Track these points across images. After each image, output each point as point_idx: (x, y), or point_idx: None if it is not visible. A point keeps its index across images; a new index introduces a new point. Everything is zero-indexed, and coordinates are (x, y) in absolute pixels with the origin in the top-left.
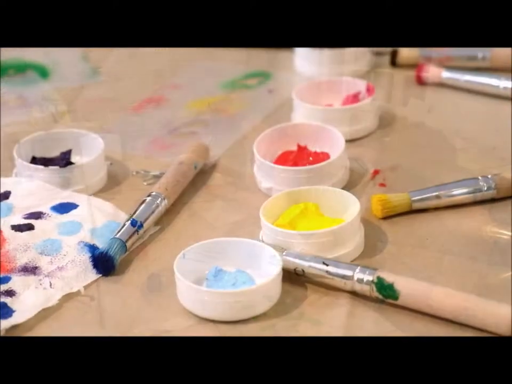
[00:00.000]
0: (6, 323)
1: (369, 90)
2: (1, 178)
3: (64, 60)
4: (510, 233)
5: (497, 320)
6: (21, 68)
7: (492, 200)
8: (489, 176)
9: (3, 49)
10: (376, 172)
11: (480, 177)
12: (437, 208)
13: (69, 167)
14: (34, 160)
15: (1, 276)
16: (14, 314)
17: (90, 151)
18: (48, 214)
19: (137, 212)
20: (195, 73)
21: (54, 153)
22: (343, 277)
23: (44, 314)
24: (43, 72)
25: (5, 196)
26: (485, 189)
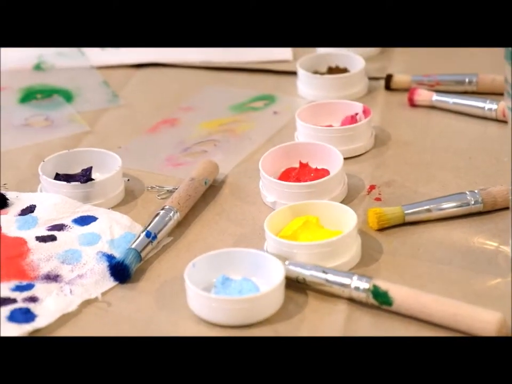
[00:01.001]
0: (29, 327)
1: (365, 112)
2: (28, 193)
3: (87, 85)
4: (495, 244)
5: (483, 326)
6: (48, 93)
7: (479, 213)
8: (476, 191)
9: (32, 74)
10: (372, 187)
11: (467, 192)
12: (428, 221)
13: (89, 183)
14: (57, 177)
15: (25, 283)
16: (36, 319)
17: (109, 168)
18: (69, 226)
19: (152, 224)
20: (206, 97)
21: (76, 170)
22: (342, 285)
23: (64, 319)
24: (68, 97)
25: (30, 209)
26: (472, 203)
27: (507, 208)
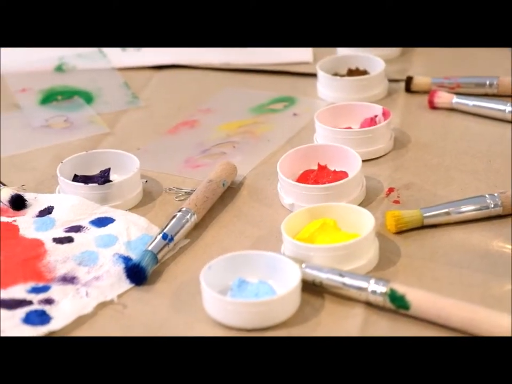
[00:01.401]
0: (44, 329)
1: (385, 114)
2: (46, 195)
3: (108, 87)
4: None
5: (501, 330)
6: (69, 94)
7: (498, 217)
8: (496, 194)
9: (53, 75)
10: (390, 190)
11: (487, 195)
12: (447, 224)
13: (107, 184)
14: (75, 178)
15: (41, 285)
16: (51, 321)
17: (127, 169)
18: (87, 228)
19: (168, 226)
20: (225, 98)
21: (94, 171)
22: (358, 288)
23: (80, 321)
24: (88, 98)
25: (48, 211)
26: (492, 206)
27: None
